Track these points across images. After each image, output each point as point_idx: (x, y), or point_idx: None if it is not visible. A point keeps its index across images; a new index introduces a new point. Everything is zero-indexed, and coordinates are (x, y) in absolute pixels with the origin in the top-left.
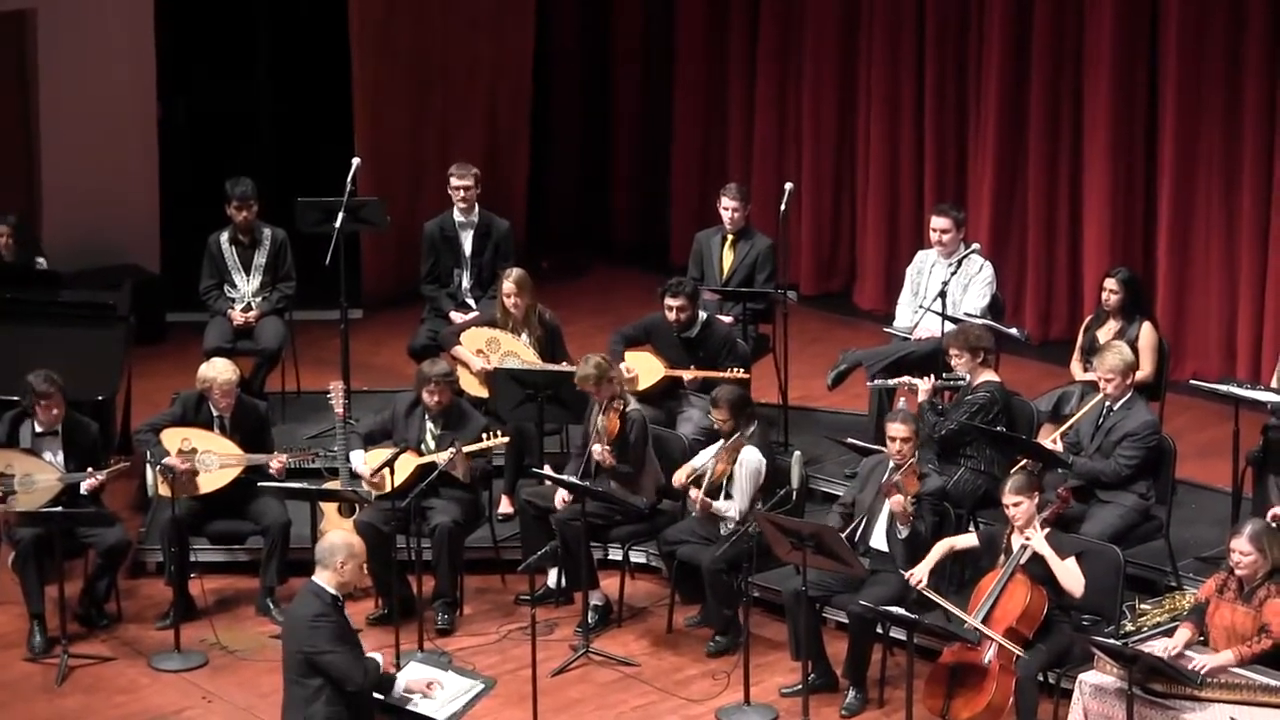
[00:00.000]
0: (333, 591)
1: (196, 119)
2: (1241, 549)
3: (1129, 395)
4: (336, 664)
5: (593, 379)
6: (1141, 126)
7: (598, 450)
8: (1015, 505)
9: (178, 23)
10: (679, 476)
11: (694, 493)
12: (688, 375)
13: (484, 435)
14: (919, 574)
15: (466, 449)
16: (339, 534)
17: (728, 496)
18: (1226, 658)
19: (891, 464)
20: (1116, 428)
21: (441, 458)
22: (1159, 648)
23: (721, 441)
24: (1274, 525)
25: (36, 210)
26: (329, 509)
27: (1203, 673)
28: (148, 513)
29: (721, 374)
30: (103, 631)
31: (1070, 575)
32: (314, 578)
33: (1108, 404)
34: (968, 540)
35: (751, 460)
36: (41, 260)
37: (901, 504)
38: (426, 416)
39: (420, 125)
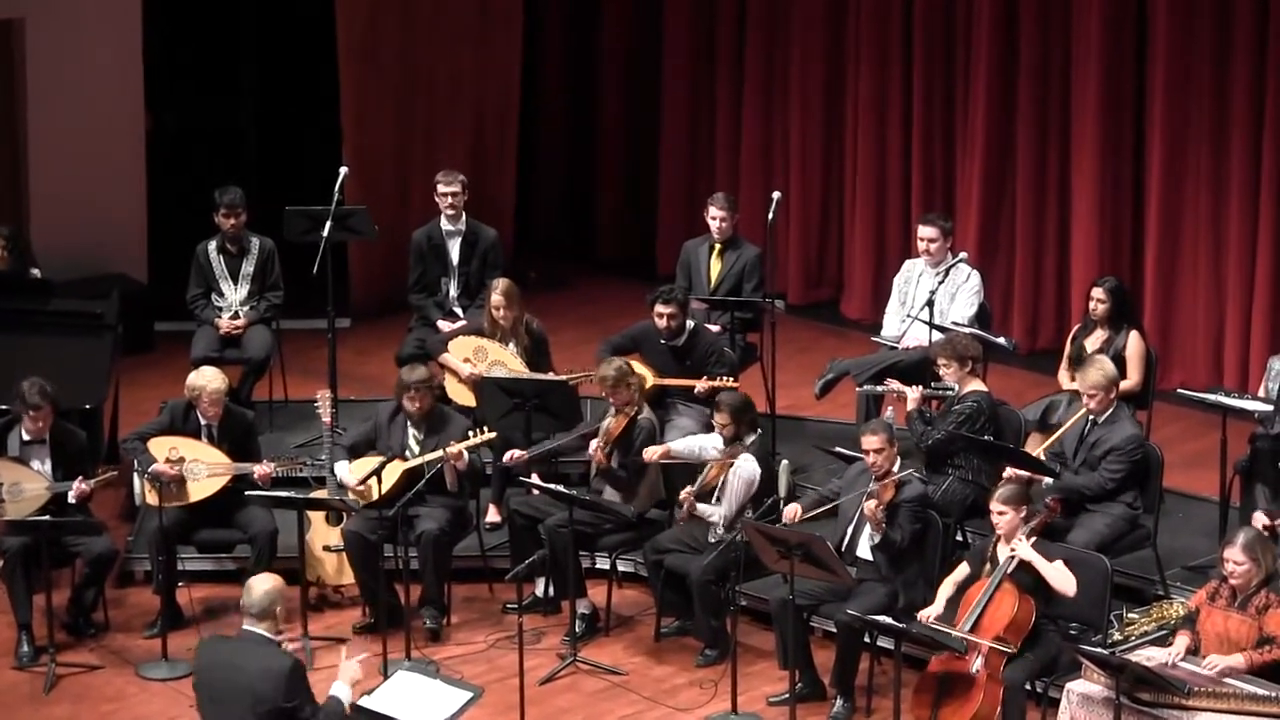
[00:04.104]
0: (275, 640)
1: (184, 128)
2: (1235, 559)
3: (1113, 408)
4: (321, 711)
5: (611, 380)
6: (1129, 135)
7: (592, 446)
8: (1000, 514)
9: (166, 32)
10: (651, 452)
11: (684, 493)
12: (699, 386)
13: (470, 433)
14: (927, 613)
15: (453, 448)
16: (266, 579)
17: (716, 501)
18: (1237, 660)
19: (873, 473)
20: (1101, 442)
21: (431, 457)
22: (1157, 655)
23: (716, 437)
24: (1266, 534)
25: (24, 219)
26: (316, 518)
27: (1214, 673)
28: (135, 521)
29: (724, 384)
30: (90, 640)
31: (1061, 576)
32: (256, 629)
33: (1091, 418)
34: (963, 571)
35: (746, 469)
36: (36, 271)
37: (872, 511)
38: (409, 423)
39: (407, 135)
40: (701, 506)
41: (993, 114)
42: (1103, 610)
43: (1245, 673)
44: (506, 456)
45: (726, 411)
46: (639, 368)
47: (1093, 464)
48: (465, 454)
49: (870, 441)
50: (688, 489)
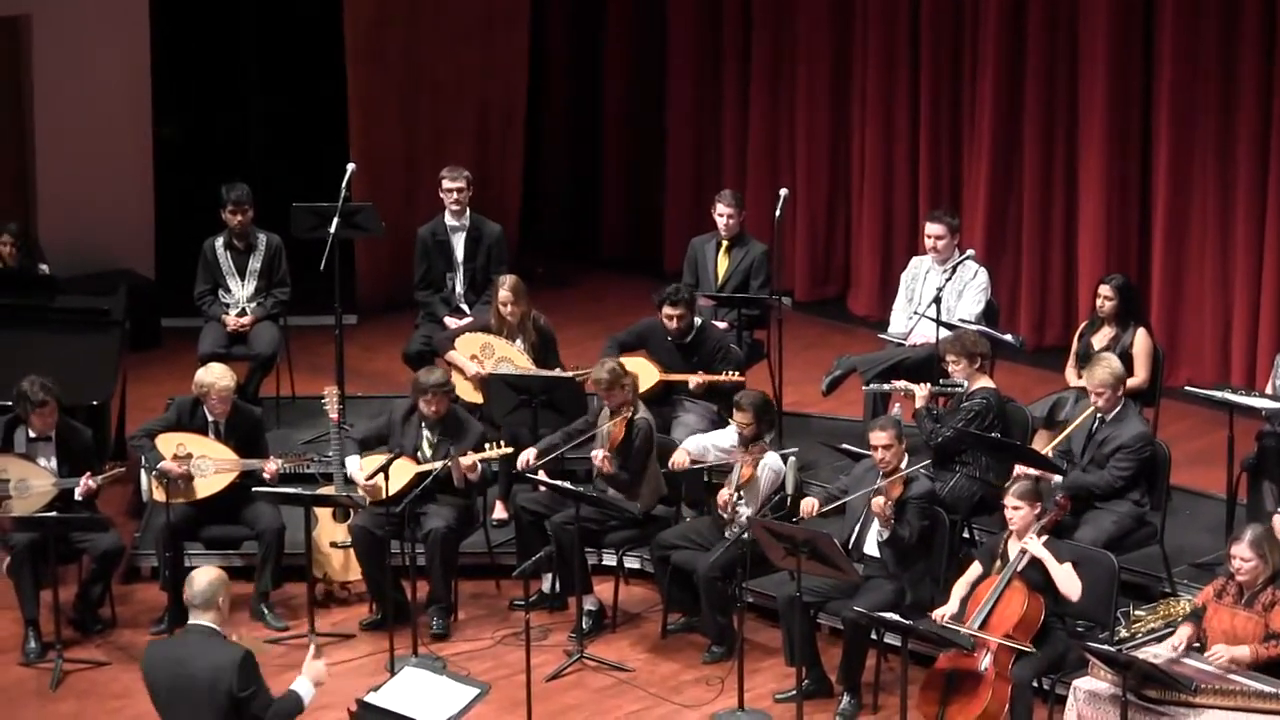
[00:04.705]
0: (220, 631)
1: (191, 125)
2: (1242, 555)
3: (1121, 406)
4: (275, 703)
5: (605, 383)
6: (1136, 133)
7: (598, 456)
8: (1014, 509)
9: (173, 28)
10: (680, 457)
11: (724, 494)
12: (693, 380)
13: (487, 445)
14: (940, 612)
15: (465, 459)
16: (207, 571)
17: (741, 500)
18: (1243, 652)
19: (881, 470)
20: (1109, 440)
21: (444, 464)
22: (1162, 647)
23: (730, 433)
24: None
25: (32, 216)
26: (323, 514)
27: (1218, 664)
28: (142, 518)
29: (723, 378)
30: (97, 636)
31: (1068, 579)
32: (203, 620)
33: (1099, 416)
34: (975, 571)
35: (774, 467)
36: (44, 267)
37: (880, 507)
38: (423, 424)
39: (414, 132)
40: (740, 509)
41: (1000, 111)
42: (1110, 607)
43: (1250, 665)
44: (521, 461)
45: (750, 411)
46: (643, 364)
47: (1101, 462)
48: (477, 465)
49: (879, 438)
50: (725, 491)
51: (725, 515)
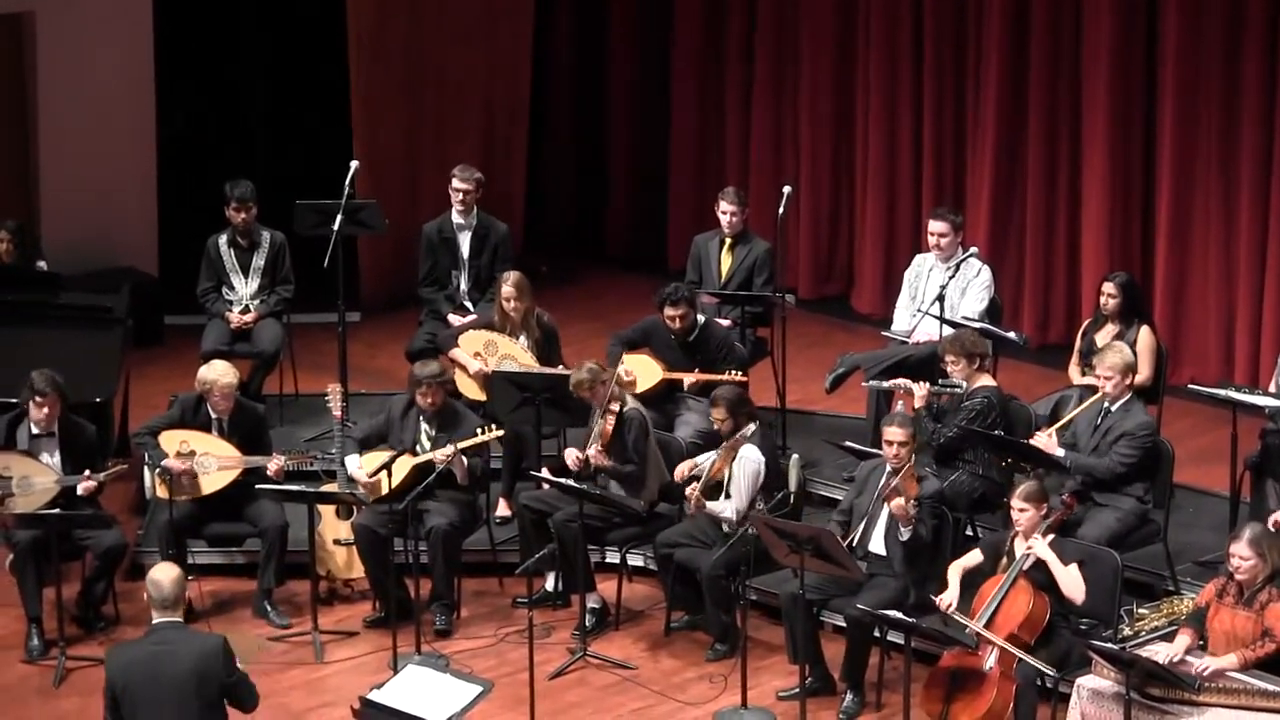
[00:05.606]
0: (185, 624)
1: (194, 122)
2: (1241, 553)
3: (1127, 397)
4: (249, 688)
5: (586, 384)
6: (1140, 130)
7: (591, 451)
8: (1021, 511)
9: (176, 25)
10: (681, 469)
11: (690, 490)
12: (688, 379)
13: (479, 430)
14: (948, 599)
15: (463, 444)
16: (167, 569)
17: (726, 496)
18: (1230, 661)
19: (889, 468)
20: (1114, 428)
21: (439, 454)
22: (1160, 654)
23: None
24: (1274, 530)
25: (35, 213)
26: (326, 511)
27: (1205, 675)
28: (145, 515)
29: (719, 377)
30: (100, 634)
31: (1072, 581)
32: (172, 618)
33: (1105, 404)
34: (974, 558)
35: (750, 459)
36: (42, 264)
37: (903, 506)
38: (421, 418)
39: (417, 130)
40: (712, 505)
41: (1003, 108)
42: (1113, 605)
43: (1239, 670)
44: (572, 460)
45: (723, 406)
46: (647, 362)
47: (1104, 451)
48: (464, 459)
49: (894, 434)
50: (693, 486)
51: (690, 511)
